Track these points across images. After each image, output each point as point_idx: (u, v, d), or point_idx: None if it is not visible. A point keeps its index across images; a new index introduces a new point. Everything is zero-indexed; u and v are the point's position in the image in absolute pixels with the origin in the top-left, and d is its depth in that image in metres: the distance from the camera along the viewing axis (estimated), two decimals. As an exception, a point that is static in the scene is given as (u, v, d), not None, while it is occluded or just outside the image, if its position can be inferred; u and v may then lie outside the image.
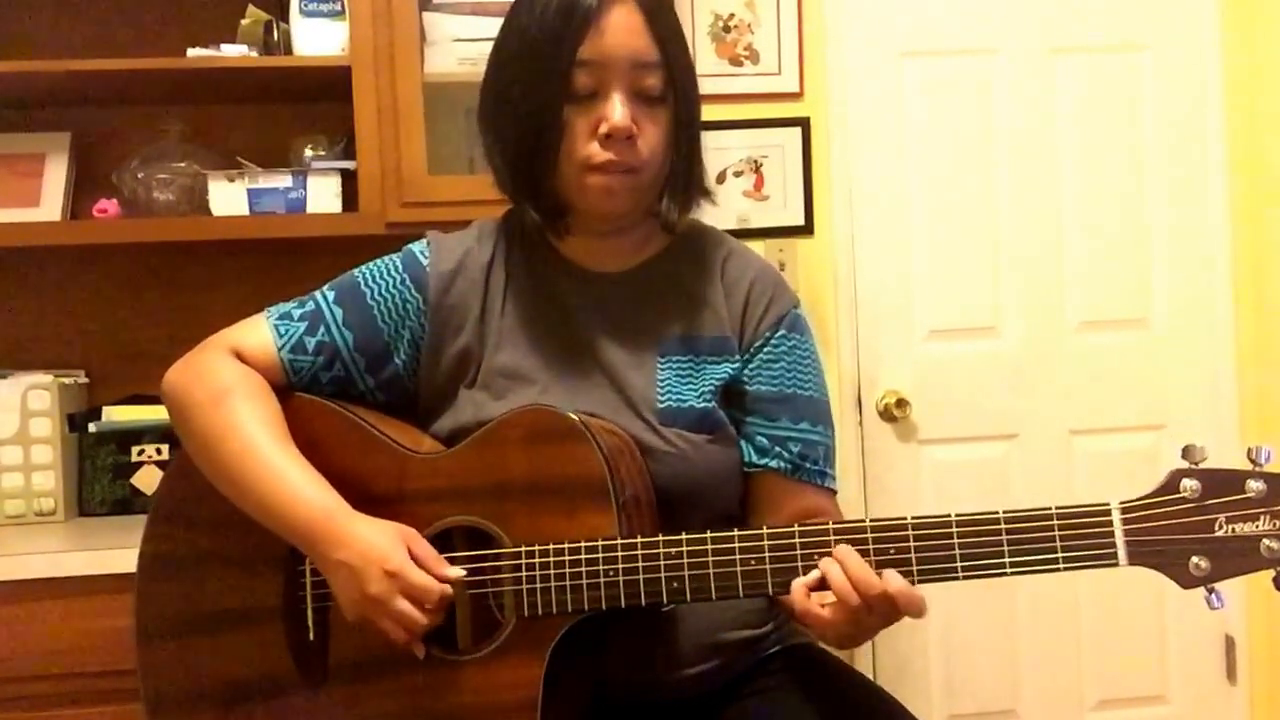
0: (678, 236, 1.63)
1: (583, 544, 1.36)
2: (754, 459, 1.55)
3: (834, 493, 1.59)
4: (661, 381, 1.53)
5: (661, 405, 1.51)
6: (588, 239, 1.59)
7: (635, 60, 1.46)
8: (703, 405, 1.51)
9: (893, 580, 1.28)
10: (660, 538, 1.35)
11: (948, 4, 3.00)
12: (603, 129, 1.45)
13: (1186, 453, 1.24)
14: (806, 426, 1.56)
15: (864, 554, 1.30)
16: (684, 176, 1.56)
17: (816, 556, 1.32)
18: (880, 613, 1.29)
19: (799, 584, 1.32)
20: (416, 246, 1.62)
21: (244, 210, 2.52)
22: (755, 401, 1.57)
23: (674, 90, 1.51)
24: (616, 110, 1.45)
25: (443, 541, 1.42)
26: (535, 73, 1.47)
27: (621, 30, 1.46)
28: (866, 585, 1.28)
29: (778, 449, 1.55)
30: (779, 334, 1.58)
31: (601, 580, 1.35)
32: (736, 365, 1.56)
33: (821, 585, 1.31)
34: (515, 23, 1.51)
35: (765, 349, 1.58)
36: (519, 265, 1.60)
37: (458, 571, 1.38)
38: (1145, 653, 3.08)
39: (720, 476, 1.53)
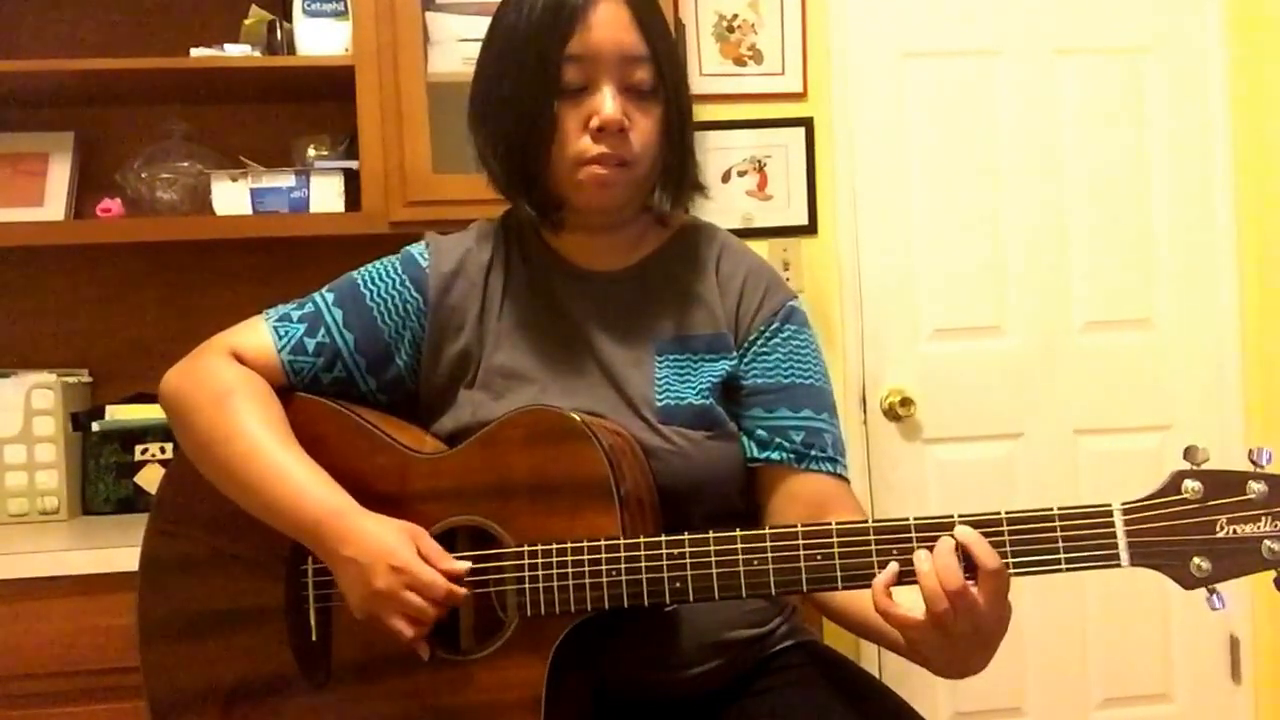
0: (673, 234, 1.63)
1: (585, 544, 1.35)
2: (755, 453, 1.55)
3: (847, 481, 1.57)
4: (659, 380, 1.53)
5: (660, 404, 1.51)
6: (583, 237, 1.59)
7: (624, 54, 1.47)
8: (701, 402, 1.51)
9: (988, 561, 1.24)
10: (663, 537, 1.35)
11: (951, 5, 3.00)
12: (594, 122, 1.45)
13: (1188, 454, 1.23)
14: (809, 414, 1.55)
15: (866, 554, 1.29)
16: (678, 170, 1.56)
17: (820, 556, 1.31)
18: (966, 616, 1.24)
19: (878, 582, 1.27)
20: (415, 248, 1.62)
21: (247, 210, 2.52)
22: (752, 394, 1.56)
23: (664, 84, 1.51)
24: (607, 103, 1.45)
25: (445, 541, 1.41)
26: (525, 69, 1.47)
27: (609, 25, 1.46)
28: (949, 576, 1.24)
29: (778, 439, 1.54)
30: (773, 327, 1.58)
31: (604, 580, 1.35)
32: (733, 361, 1.56)
33: (900, 580, 1.28)
34: (503, 22, 1.52)
35: (759, 342, 1.57)
36: (517, 266, 1.61)
37: (464, 564, 1.38)
38: (1150, 652, 3.08)
39: (721, 473, 1.52)
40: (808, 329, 1.62)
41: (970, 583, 1.24)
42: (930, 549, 1.26)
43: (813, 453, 1.54)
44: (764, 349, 1.57)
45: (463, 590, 1.36)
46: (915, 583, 1.26)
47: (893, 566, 1.27)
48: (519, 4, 1.49)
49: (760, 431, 1.55)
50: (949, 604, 1.23)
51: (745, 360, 1.57)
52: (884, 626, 1.34)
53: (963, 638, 1.25)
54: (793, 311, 1.60)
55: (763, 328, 1.57)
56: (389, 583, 1.34)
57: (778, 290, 1.61)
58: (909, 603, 1.27)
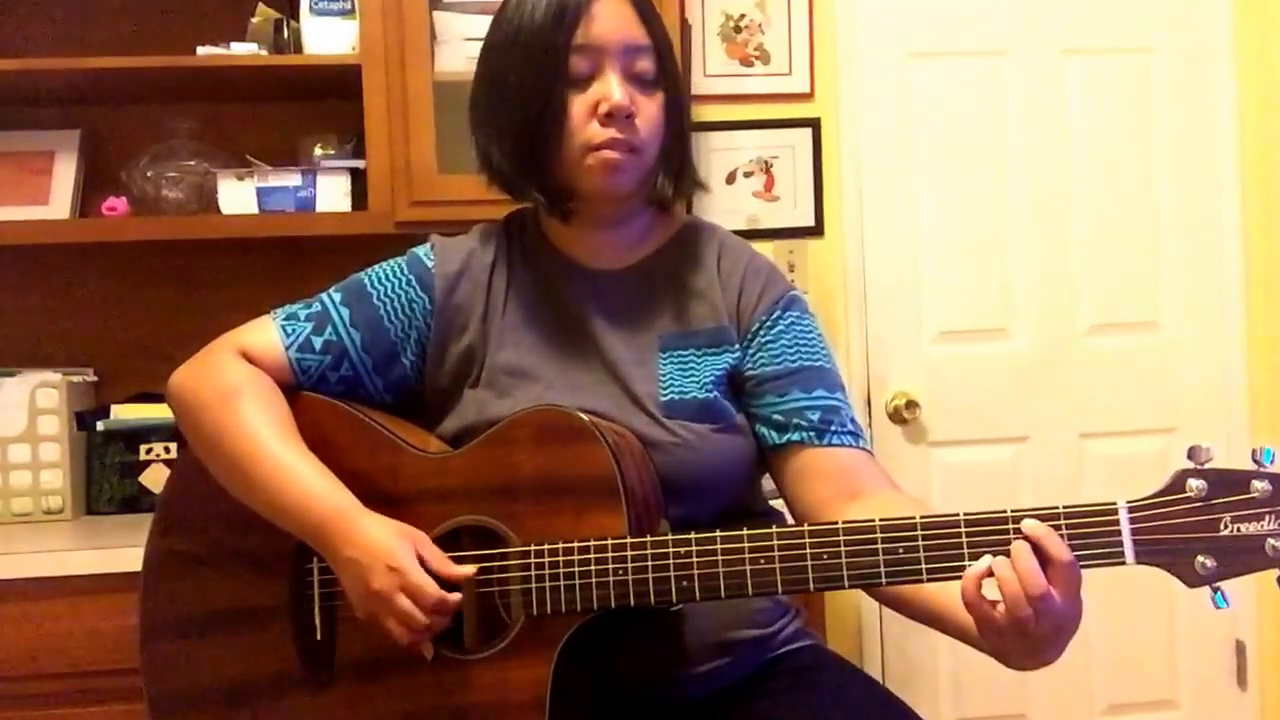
0: (675, 233, 1.64)
1: (591, 543, 1.35)
2: (774, 439, 1.54)
3: (870, 454, 1.57)
4: (663, 375, 1.53)
5: (664, 399, 1.51)
6: (588, 232, 1.60)
7: (628, 44, 1.50)
8: (704, 395, 1.52)
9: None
10: (669, 537, 1.35)
11: (958, 5, 3.00)
12: (603, 108, 1.48)
13: (1192, 453, 1.23)
14: (822, 393, 1.55)
15: (872, 553, 1.29)
16: (677, 158, 1.58)
17: (826, 555, 1.30)
18: (1047, 618, 1.21)
19: (970, 574, 1.25)
20: (421, 249, 1.63)
21: (253, 209, 2.52)
22: (761, 383, 1.56)
23: (665, 75, 1.54)
24: (615, 89, 1.48)
25: (451, 541, 1.42)
26: (531, 60, 1.49)
27: (614, 17, 1.50)
28: (1032, 583, 1.20)
29: (795, 421, 1.53)
30: (774, 315, 1.58)
31: (610, 579, 1.34)
32: (736, 354, 1.57)
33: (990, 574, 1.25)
34: (506, 19, 1.54)
35: (761, 332, 1.58)
36: (520, 265, 1.62)
37: (467, 570, 1.38)
38: (1155, 657, 3.07)
39: (728, 466, 1.52)
40: (809, 315, 1.63)
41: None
42: (1007, 554, 1.23)
43: (832, 428, 1.53)
44: (768, 338, 1.57)
45: (456, 596, 1.36)
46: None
47: (984, 561, 1.24)
48: (520, 4, 1.52)
49: (776, 417, 1.54)
50: (1032, 610, 1.21)
51: (750, 351, 1.57)
52: (951, 615, 1.33)
53: (1041, 635, 1.23)
54: (793, 299, 1.61)
55: (764, 318, 1.58)
56: (386, 584, 1.34)
57: (777, 281, 1.62)
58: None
